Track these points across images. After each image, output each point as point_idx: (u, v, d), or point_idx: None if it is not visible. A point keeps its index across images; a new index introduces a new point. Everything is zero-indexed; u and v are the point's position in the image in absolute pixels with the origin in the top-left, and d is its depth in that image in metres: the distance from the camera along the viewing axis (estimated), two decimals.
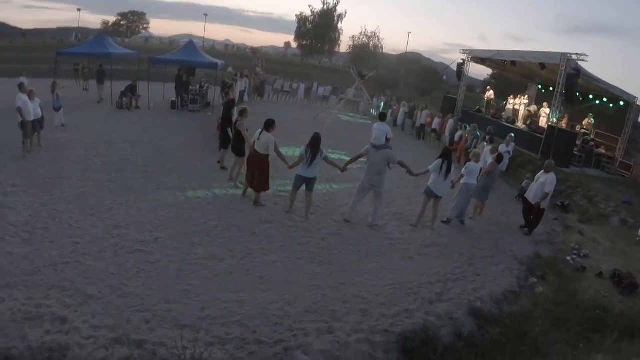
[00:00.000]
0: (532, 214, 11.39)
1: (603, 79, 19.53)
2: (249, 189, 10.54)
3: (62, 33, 72.25)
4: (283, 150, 10.43)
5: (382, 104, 30.50)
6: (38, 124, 12.98)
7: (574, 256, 10.23)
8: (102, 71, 24.32)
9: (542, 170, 11.33)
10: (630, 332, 7.19)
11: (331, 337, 5.88)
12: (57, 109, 16.17)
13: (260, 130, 10.02)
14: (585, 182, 15.86)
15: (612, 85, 19.84)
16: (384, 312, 6.71)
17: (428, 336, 6.13)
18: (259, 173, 10.06)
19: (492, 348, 6.37)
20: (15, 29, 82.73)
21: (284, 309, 6.40)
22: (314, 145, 9.47)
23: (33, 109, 12.59)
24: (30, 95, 12.68)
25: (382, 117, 12.24)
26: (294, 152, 11.87)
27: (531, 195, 11.27)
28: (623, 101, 20.82)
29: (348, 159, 10.73)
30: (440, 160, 10.18)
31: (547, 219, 12.95)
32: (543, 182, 10.94)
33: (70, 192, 9.92)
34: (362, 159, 10.32)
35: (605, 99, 22.13)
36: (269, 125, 9.98)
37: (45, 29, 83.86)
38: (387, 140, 11.26)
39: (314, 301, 6.71)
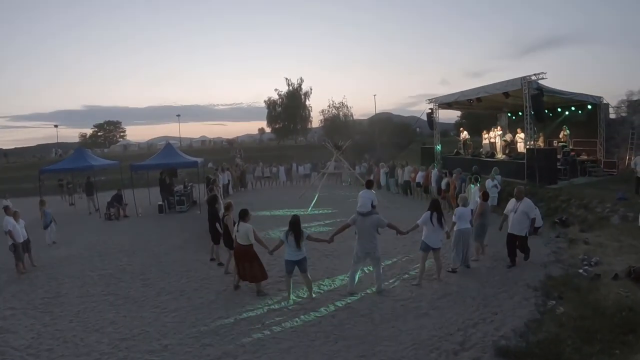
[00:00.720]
0: (518, 246, 11.20)
1: (567, 89, 20.33)
2: (244, 282, 10.47)
3: (42, 149, 73.63)
4: (276, 235, 10.43)
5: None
6: (25, 245, 13.06)
7: (586, 267, 10.12)
8: (90, 183, 24.81)
9: (514, 199, 11.23)
10: None
11: None
12: (45, 227, 16.18)
13: (237, 222, 10.11)
14: (576, 192, 16.02)
15: (576, 92, 20.64)
16: None
17: None
18: (248, 265, 10.02)
19: None
20: None
21: None
22: (295, 227, 9.43)
23: (20, 231, 12.81)
24: (16, 217, 12.88)
25: (368, 184, 12.35)
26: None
27: (515, 228, 11.03)
28: (590, 104, 21.59)
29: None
30: (428, 213, 10.15)
31: (550, 238, 13.04)
32: (524, 211, 10.88)
33: (70, 309, 9.79)
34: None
35: (573, 108, 22.82)
36: (243, 215, 10.08)
37: (26, 147, 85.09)
38: (373, 206, 11.33)
39: None
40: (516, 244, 11.15)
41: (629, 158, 20.42)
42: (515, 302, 8.89)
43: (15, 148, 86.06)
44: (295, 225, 9.45)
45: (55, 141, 76.61)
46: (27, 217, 13.66)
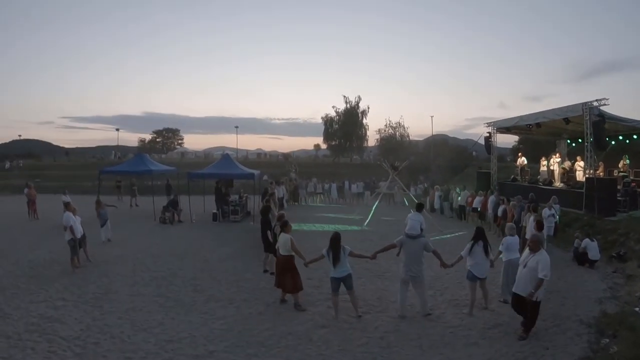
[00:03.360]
0: (525, 309, 8.61)
1: (628, 116, 19.38)
2: (288, 295, 10.41)
3: (102, 151, 76.13)
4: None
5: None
6: (82, 240, 13.41)
7: None
8: (169, 185, 27.73)
9: (527, 250, 8.74)
10: None
11: None
12: (102, 225, 16.56)
13: (278, 233, 10.20)
14: (636, 226, 15.18)
15: (638, 120, 19.61)
16: None
17: None
18: (285, 274, 10.07)
19: None
20: (57, 147, 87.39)
21: None
22: (334, 244, 9.29)
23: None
24: (74, 213, 13.21)
25: (419, 207, 12.11)
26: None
27: (520, 285, 8.52)
28: None
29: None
30: (471, 243, 9.84)
31: (606, 273, 12.47)
32: (534, 267, 8.26)
33: (120, 306, 9.95)
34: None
35: (635, 136, 21.67)
36: (283, 226, 10.25)
37: (86, 148, 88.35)
38: (422, 229, 11.07)
39: None
40: (521, 307, 8.65)
41: None
42: (567, 337, 8.46)
43: (77, 147, 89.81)
44: (334, 241, 9.32)
45: (115, 144, 79.39)
46: (84, 214, 13.97)
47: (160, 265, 13.56)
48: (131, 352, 7.70)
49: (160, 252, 15.27)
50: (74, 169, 47.39)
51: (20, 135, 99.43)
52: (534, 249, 8.47)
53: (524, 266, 8.50)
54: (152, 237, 18.13)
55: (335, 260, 9.26)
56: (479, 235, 9.94)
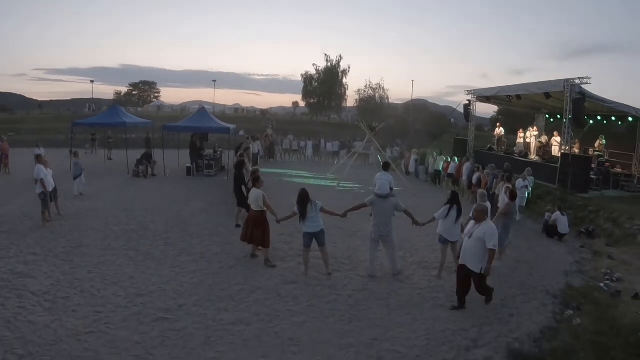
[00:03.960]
0: (474, 283, 8.34)
1: (609, 98, 19.51)
2: (259, 250, 10.52)
3: (77, 104, 74.26)
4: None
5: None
6: (53, 193, 13.21)
7: (607, 282, 9.91)
8: (149, 139, 26.65)
9: (471, 219, 8.68)
10: None
11: None
12: (75, 178, 16.38)
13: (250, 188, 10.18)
14: (606, 205, 15.62)
15: (618, 103, 19.74)
16: None
17: None
18: (256, 229, 10.09)
19: None
20: (31, 100, 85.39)
21: None
22: (301, 201, 9.36)
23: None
24: (45, 166, 13.01)
25: (385, 166, 12.03)
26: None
27: (468, 258, 8.15)
28: (632, 117, 20.66)
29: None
30: (447, 207, 9.92)
31: (574, 248, 12.76)
32: (480, 237, 7.97)
33: (90, 260, 9.91)
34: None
35: (613, 118, 22.08)
36: (255, 181, 10.28)
37: (60, 100, 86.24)
38: (391, 189, 11.12)
39: None
40: (469, 281, 8.36)
41: None
42: (532, 306, 8.68)
43: (51, 101, 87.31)
44: (301, 197, 9.39)
45: (90, 97, 77.59)
46: (57, 168, 13.77)
47: (132, 219, 13.49)
48: (101, 306, 7.70)
49: (133, 206, 15.17)
50: (48, 122, 46.37)
51: None
52: (479, 219, 8.24)
53: (469, 237, 8.21)
54: (125, 191, 17.99)
55: (302, 216, 9.34)
56: (454, 200, 10.02)
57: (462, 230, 10.32)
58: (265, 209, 10.08)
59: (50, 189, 12.83)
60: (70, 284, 8.56)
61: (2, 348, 6.24)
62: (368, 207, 9.86)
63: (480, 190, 11.74)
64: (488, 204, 10.92)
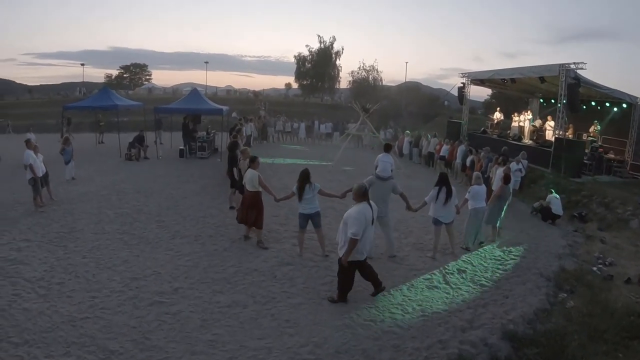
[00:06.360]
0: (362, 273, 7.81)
1: (604, 84, 19.48)
2: (252, 232, 10.49)
3: (67, 87, 73.37)
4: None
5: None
6: (44, 179, 13.10)
7: (600, 265, 9.98)
8: (159, 120, 26.31)
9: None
10: None
11: None
12: (66, 163, 16.22)
13: (245, 168, 10.09)
14: (599, 189, 15.63)
15: (613, 89, 19.73)
16: (417, 345, 6.49)
17: None
18: (250, 211, 10.05)
19: None
20: (20, 85, 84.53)
21: (314, 351, 6.18)
22: (302, 179, 9.32)
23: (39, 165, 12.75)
24: (35, 151, 12.84)
25: (387, 148, 11.90)
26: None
27: (341, 238, 7.46)
28: (626, 103, 20.65)
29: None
30: (436, 189, 9.93)
31: (567, 231, 12.81)
32: (345, 221, 7.36)
33: (84, 245, 9.88)
34: None
35: (607, 104, 21.98)
36: (251, 162, 10.13)
37: (50, 85, 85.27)
38: (391, 171, 11.08)
39: (344, 341, 6.47)
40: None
41: None
42: (526, 288, 8.75)
43: (41, 85, 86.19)
44: (303, 176, 9.34)
45: (81, 80, 76.60)
46: (49, 153, 13.61)
47: (125, 203, 13.41)
48: (95, 291, 7.69)
49: (126, 190, 15.07)
50: (38, 106, 45.92)
51: None
52: (357, 198, 7.49)
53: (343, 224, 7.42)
54: (117, 174, 17.81)
55: (300, 196, 9.31)
56: (443, 181, 10.01)
57: (458, 212, 10.39)
58: (260, 189, 10.03)
59: (40, 174, 12.68)
60: (64, 270, 8.53)
61: None
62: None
63: (476, 173, 11.83)
64: (483, 187, 11.01)
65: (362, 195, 7.44)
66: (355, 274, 7.67)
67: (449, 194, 9.89)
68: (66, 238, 10.29)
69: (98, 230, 10.88)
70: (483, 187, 11.07)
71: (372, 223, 7.48)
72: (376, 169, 10.44)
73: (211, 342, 6.29)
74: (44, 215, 12.04)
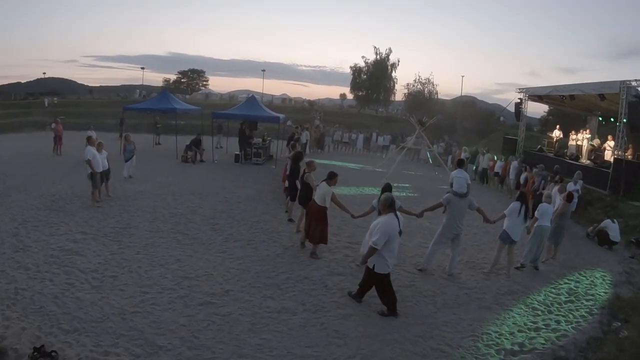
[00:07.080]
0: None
1: None
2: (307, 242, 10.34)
3: (126, 90, 75.67)
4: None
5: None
6: (105, 175, 13.42)
7: None
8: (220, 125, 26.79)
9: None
10: None
11: None
12: (126, 161, 16.64)
13: (322, 180, 9.93)
14: None
15: None
16: None
17: None
18: (315, 224, 9.82)
19: None
20: (81, 85, 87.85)
21: None
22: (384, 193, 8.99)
23: (101, 161, 13.11)
24: (99, 148, 13.24)
25: (460, 163, 11.47)
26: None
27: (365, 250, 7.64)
28: None
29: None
30: (518, 203, 9.71)
31: (624, 257, 12.21)
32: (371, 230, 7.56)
33: (139, 242, 10.06)
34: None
35: None
36: (330, 177, 9.86)
37: (110, 86, 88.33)
38: (467, 186, 10.76)
39: (392, 356, 6.32)
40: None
41: None
42: (580, 315, 8.39)
43: (100, 86, 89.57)
44: (385, 190, 9.03)
45: (140, 83, 78.94)
46: (108, 151, 13.93)
47: (181, 203, 13.61)
48: (147, 287, 7.80)
49: (181, 191, 15.30)
50: (98, 106, 47.39)
51: (44, 74, 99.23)
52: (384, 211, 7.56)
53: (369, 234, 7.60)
54: (173, 176, 18.14)
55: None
56: (523, 199, 9.88)
57: (528, 232, 10.10)
58: (327, 205, 9.80)
59: (99, 170, 12.99)
60: (118, 264, 8.70)
61: (49, 322, 6.39)
62: (443, 205, 9.66)
63: (546, 192, 11.54)
64: (551, 206, 10.66)
65: (388, 206, 7.45)
66: (391, 285, 7.61)
67: (526, 213, 9.72)
68: (121, 233, 10.51)
69: (152, 229, 11.06)
70: (551, 206, 10.76)
71: (400, 235, 7.42)
72: (451, 186, 10.19)
73: (259, 346, 6.25)
74: (101, 210, 12.36)
